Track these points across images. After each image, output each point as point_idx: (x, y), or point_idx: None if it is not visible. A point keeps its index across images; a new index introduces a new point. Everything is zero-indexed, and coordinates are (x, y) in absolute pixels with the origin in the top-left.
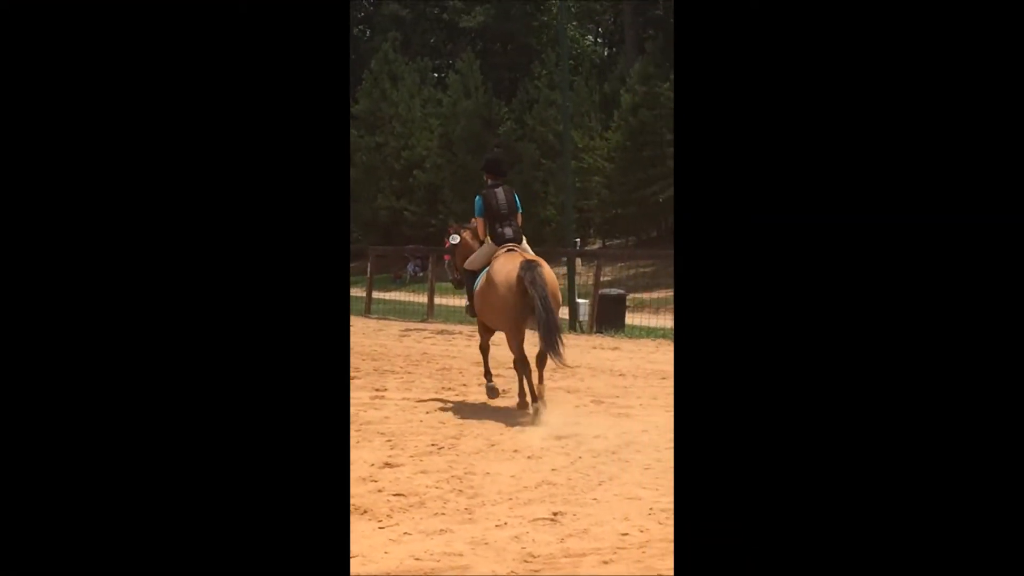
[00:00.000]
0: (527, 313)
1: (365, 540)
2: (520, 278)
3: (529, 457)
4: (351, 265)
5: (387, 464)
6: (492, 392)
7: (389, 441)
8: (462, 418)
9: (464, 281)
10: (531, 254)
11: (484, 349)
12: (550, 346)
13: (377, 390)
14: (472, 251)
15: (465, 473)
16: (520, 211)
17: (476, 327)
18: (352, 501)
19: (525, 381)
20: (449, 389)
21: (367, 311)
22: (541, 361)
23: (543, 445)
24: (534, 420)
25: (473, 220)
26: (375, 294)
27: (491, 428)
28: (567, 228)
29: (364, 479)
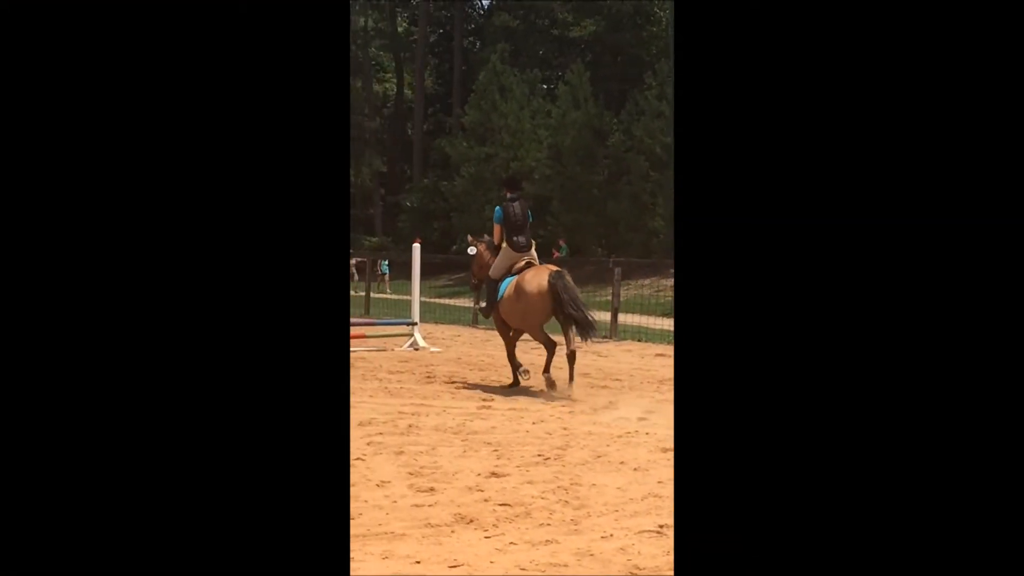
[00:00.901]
0: (552, 315)
1: (471, 549)
2: (552, 285)
3: (636, 469)
4: (456, 276)
5: (493, 474)
6: (523, 374)
7: (496, 451)
8: (568, 429)
9: (485, 286)
10: (535, 259)
11: (510, 347)
12: (586, 334)
13: (484, 400)
14: (486, 261)
15: (571, 484)
16: (531, 221)
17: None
18: (459, 510)
19: (551, 359)
20: (556, 400)
21: (474, 322)
22: (572, 359)
23: (650, 458)
24: (569, 393)
25: (482, 239)
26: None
27: (598, 440)
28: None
29: (471, 488)
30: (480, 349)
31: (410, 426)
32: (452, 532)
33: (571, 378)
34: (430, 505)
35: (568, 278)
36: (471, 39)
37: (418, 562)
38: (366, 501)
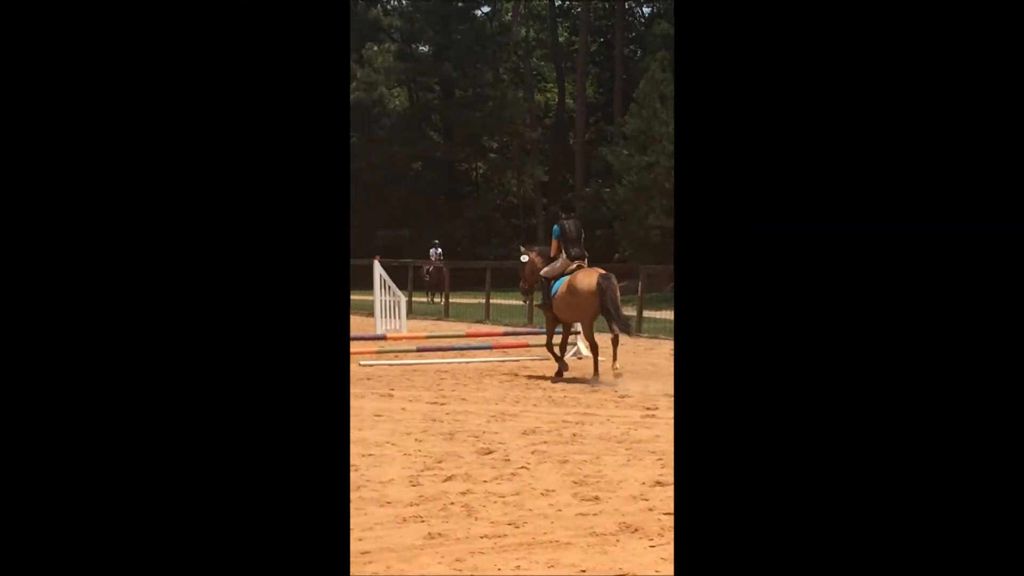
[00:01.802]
0: (599, 311)
1: (636, 559)
2: (600, 285)
3: None
4: (623, 284)
5: (658, 483)
6: (563, 367)
7: (660, 460)
8: None
9: (540, 287)
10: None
11: (551, 336)
12: (624, 329)
13: (648, 409)
14: (537, 268)
15: None
16: (583, 236)
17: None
18: (623, 519)
19: (598, 358)
20: None
21: (638, 330)
22: (615, 343)
23: None
24: (615, 386)
25: (532, 249)
26: (646, 312)
27: None
28: None
29: (635, 498)
30: (643, 358)
31: (574, 435)
32: (617, 541)
33: (615, 358)
34: (595, 514)
35: (614, 280)
36: (632, 47)
37: (583, 571)
38: (531, 510)
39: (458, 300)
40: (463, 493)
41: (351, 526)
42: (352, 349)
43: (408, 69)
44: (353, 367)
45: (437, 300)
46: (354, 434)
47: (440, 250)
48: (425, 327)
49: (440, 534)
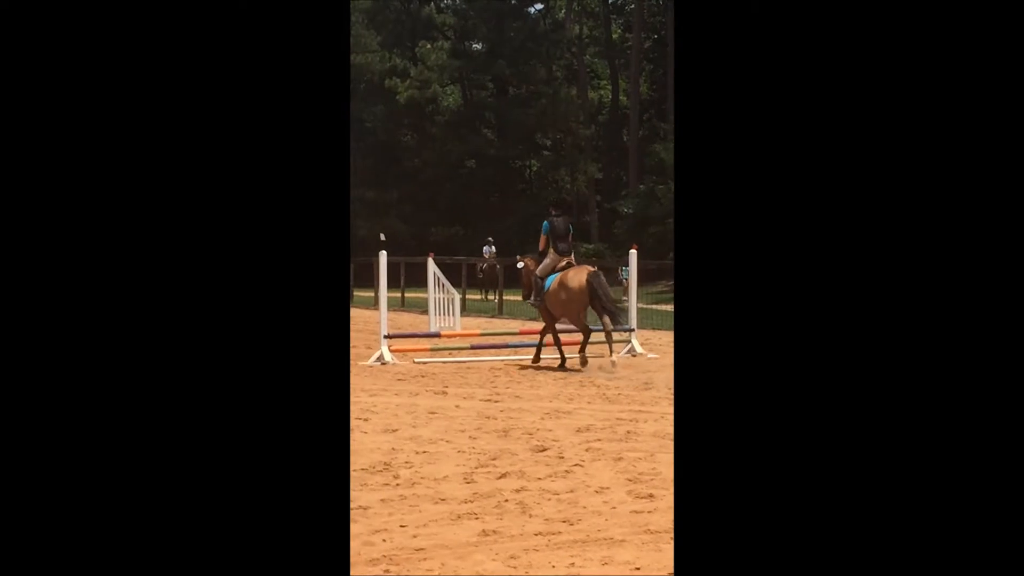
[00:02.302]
0: (588, 305)
1: None
2: (590, 282)
3: None
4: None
5: None
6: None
7: None
8: None
9: (534, 291)
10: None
11: (554, 332)
12: (616, 322)
13: None
14: (533, 272)
15: None
16: (572, 233)
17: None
18: None
19: (587, 342)
20: None
21: None
22: (609, 336)
23: None
24: (610, 372)
25: (530, 256)
26: None
27: None
28: None
29: None
30: None
31: (628, 432)
32: (672, 539)
33: (611, 351)
34: (649, 511)
35: (603, 277)
36: None
37: (637, 568)
38: (585, 507)
39: (512, 297)
40: (517, 490)
41: (405, 523)
42: (406, 346)
43: (462, 67)
44: (407, 364)
45: (491, 297)
46: (408, 431)
47: (494, 247)
48: (479, 324)
49: (494, 531)
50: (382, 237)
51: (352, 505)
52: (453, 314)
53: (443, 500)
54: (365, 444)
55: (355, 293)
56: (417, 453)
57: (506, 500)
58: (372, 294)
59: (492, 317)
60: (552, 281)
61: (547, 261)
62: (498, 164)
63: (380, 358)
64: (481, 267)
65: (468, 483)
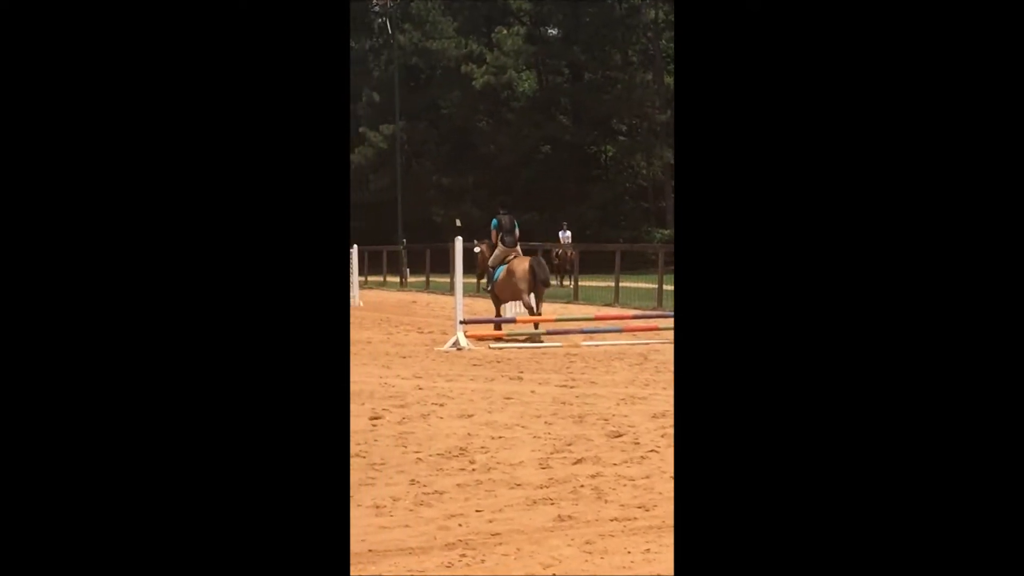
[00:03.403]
0: (531, 288)
1: None
2: (531, 268)
3: None
4: None
5: None
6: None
7: None
8: None
9: (487, 277)
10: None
11: (497, 314)
12: (539, 302)
13: None
14: (487, 257)
15: None
16: (517, 228)
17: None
18: None
19: (534, 319)
20: None
21: None
22: (531, 312)
23: None
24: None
25: (484, 242)
26: None
27: None
28: None
29: None
30: None
31: None
32: None
33: (536, 327)
34: None
35: (544, 262)
36: None
37: None
38: (661, 493)
39: (587, 283)
40: (593, 476)
41: (481, 508)
42: (482, 332)
43: (537, 52)
44: (483, 350)
45: (566, 283)
46: (484, 416)
47: (569, 233)
48: (554, 310)
49: (570, 516)
50: (458, 223)
51: (428, 490)
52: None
53: (519, 485)
54: (441, 429)
55: (431, 279)
56: (493, 438)
57: (582, 486)
58: (448, 280)
59: (568, 303)
60: (501, 271)
61: (497, 252)
62: (573, 150)
63: (456, 344)
64: (557, 253)
65: (544, 468)
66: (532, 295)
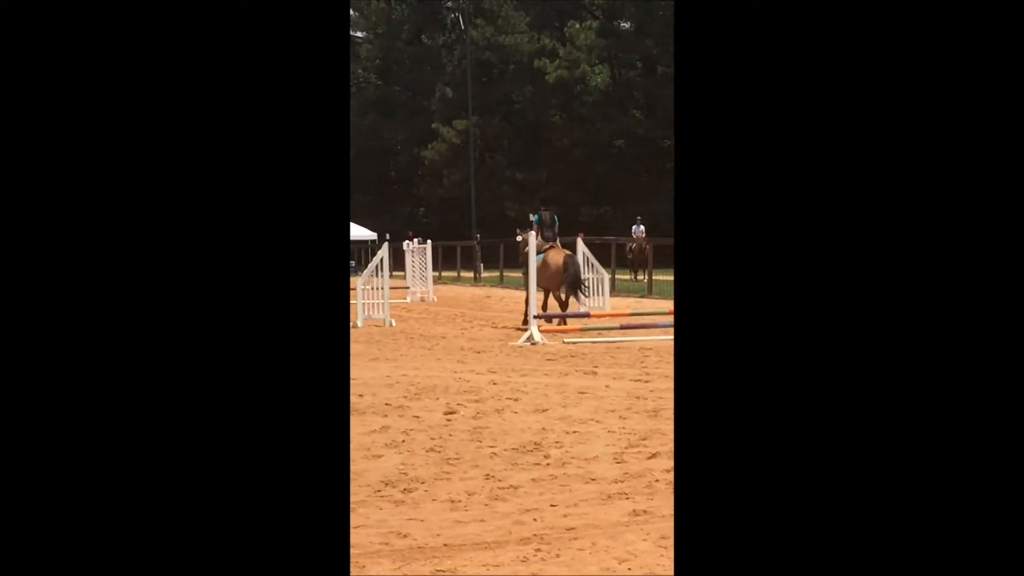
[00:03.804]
0: (563, 280)
1: None
2: (565, 262)
3: None
4: None
5: None
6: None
7: None
8: None
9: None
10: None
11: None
12: (576, 292)
13: None
14: (526, 243)
15: None
16: (557, 223)
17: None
18: None
19: (560, 311)
20: None
21: None
22: (563, 307)
23: None
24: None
25: (526, 231)
26: None
27: None
28: None
29: None
30: None
31: None
32: None
33: (563, 316)
34: None
35: (576, 259)
36: None
37: None
38: None
39: (661, 277)
40: (668, 470)
41: (556, 503)
42: (556, 326)
43: (610, 46)
44: (557, 345)
45: (640, 277)
46: (559, 411)
47: (643, 227)
48: (628, 304)
49: (645, 511)
50: (531, 217)
51: (503, 484)
52: (602, 294)
53: (593, 480)
54: (516, 424)
55: (505, 274)
56: (567, 433)
57: (656, 480)
58: (522, 274)
59: (641, 297)
60: (538, 260)
61: (535, 244)
62: (647, 144)
63: (530, 338)
64: (631, 247)
65: (618, 463)
66: (562, 288)
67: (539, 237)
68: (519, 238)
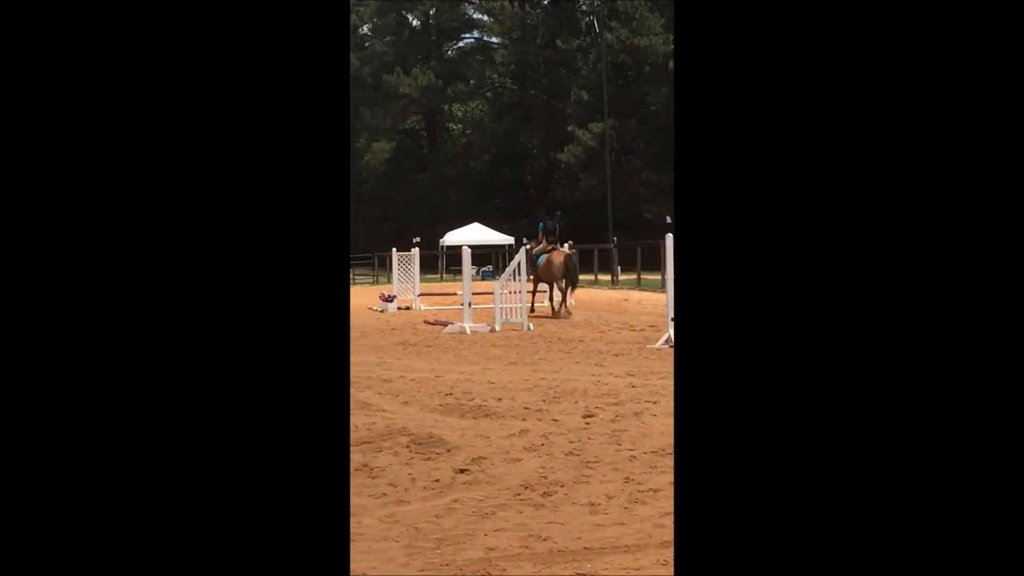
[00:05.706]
0: (563, 277)
1: None
2: (564, 262)
3: None
4: None
5: None
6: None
7: None
8: None
9: (532, 264)
10: (564, 249)
11: (534, 291)
12: (571, 288)
13: None
14: (532, 251)
15: None
16: (558, 230)
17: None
18: None
19: (561, 302)
20: None
21: None
22: (564, 295)
23: None
24: (566, 316)
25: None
26: None
27: None
28: None
29: None
30: None
31: None
32: None
33: (564, 306)
34: None
35: (575, 258)
36: None
37: None
38: None
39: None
40: None
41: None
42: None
43: None
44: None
45: None
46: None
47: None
48: None
49: None
50: (668, 220)
51: (642, 488)
52: None
53: None
54: (655, 427)
55: (642, 276)
56: None
57: None
58: (659, 276)
59: None
60: (542, 259)
61: (541, 246)
62: None
63: (668, 340)
64: None
65: None
66: (564, 282)
67: (543, 241)
68: (528, 246)
